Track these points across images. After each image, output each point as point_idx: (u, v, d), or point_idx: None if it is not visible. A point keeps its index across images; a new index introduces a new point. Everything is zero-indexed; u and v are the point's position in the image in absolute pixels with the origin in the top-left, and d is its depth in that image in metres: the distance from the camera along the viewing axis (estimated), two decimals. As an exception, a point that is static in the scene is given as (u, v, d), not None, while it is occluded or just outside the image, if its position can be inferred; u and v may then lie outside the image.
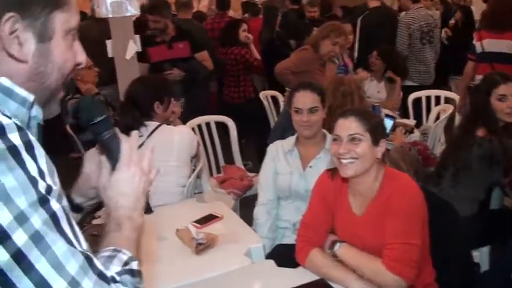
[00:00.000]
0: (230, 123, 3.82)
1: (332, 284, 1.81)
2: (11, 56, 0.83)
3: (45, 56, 0.87)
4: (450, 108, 3.83)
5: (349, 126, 1.84)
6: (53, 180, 0.82)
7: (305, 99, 2.50)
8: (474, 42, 3.87)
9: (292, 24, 6.17)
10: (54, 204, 0.80)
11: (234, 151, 3.86)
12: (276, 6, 6.09)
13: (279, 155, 2.60)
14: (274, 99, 4.66)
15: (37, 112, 0.89)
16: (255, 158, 4.46)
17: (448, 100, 4.30)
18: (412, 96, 4.38)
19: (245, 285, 1.87)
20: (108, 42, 3.23)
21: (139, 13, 3.25)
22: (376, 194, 1.88)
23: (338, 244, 1.88)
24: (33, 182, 0.77)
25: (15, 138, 0.77)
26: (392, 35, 4.90)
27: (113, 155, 1.05)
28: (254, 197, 2.71)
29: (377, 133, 1.86)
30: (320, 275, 1.87)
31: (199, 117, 3.77)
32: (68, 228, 0.81)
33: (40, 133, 0.90)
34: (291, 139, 2.63)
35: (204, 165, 3.31)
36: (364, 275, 1.79)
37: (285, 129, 3.24)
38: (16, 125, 0.79)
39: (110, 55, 3.23)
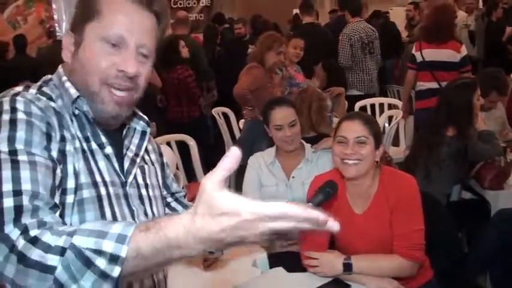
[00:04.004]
0: (191, 142, 3.84)
1: (348, 282, 1.92)
2: (63, 59, 1.13)
3: (75, 57, 1.10)
4: (398, 113, 4.11)
5: (355, 129, 1.96)
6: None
7: (283, 114, 2.57)
8: (413, 52, 4.19)
9: (228, 42, 6.31)
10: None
11: (197, 169, 3.89)
12: (216, 25, 6.18)
13: (262, 167, 2.67)
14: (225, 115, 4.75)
15: (86, 108, 1.10)
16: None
17: (390, 106, 4.61)
18: (358, 104, 4.64)
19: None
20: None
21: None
22: (376, 192, 2.02)
23: (351, 263, 1.93)
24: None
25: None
26: (323, 49, 5.13)
27: None
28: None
29: (379, 138, 2.01)
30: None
31: (160, 137, 3.76)
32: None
33: (91, 124, 1.12)
34: (271, 151, 2.70)
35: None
36: (382, 274, 1.92)
37: (253, 143, 3.33)
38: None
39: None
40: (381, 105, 4.67)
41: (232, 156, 0.75)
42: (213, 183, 0.73)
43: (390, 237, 1.96)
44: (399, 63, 5.83)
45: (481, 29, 6.87)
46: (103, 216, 1.08)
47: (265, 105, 2.69)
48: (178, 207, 1.46)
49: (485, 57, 6.70)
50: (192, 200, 3.02)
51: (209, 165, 4.60)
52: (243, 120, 4.36)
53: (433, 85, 4.05)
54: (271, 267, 2.20)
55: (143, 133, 1.26)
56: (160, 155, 1.37)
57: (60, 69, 1.15)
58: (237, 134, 4.67)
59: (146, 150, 1.28)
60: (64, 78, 1.12)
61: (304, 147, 2.69)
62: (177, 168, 3.66)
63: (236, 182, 4.52)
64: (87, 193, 1.06)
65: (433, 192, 2.69)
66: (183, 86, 4.52)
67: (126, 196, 1.16)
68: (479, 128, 2.95)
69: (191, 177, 3.92)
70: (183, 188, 3.51)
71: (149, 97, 4.32)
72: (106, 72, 1.07)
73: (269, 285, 2.00)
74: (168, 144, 3.80)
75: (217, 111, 4.75)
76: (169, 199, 1.42)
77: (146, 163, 1.27)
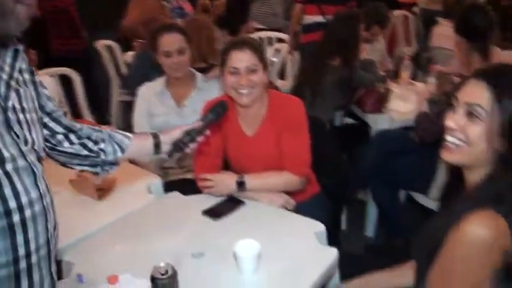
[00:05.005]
0: (74, 75, 3.64)
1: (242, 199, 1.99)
2: None
3: None
4: (285, 47, 4.19)
5: (245, 58, 1.97)
6: None
7: (171, 40, 2.53)
8: (302, -16, 4.23)
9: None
10: None
11: (82, 105, 3.71)
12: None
13: (151, 96, 2.62)
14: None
15: None
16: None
17: (279, 40, 4.67)
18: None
19: (162, 217, 1.92)
20: None
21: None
22: (265, 114, 2.09)
23: (244, 181, 1.99)
24: None
25: None
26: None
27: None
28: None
29: (265, 60, 2.05)
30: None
31: (41, 71, 3.49)
32: None
33: None
34: (160, 80, 2.66)
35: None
36: (274, 189, 2.02)
37: (144, 76, 3.23)
38: None
39: None
40: (269, 39, 4.72)
41: None
42: None
43: (280, 156, 2.05)
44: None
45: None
46: None
47: (154, 31, 2.60)
48: (58, 128, 1.40)
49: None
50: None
51: (94, 100, 4.43)
52: (130, 53, 4.20)
53: (319, 19, 4.14)
54: (165, 193, 2.21)
55: (16, 51, 1.16)
56: (32, 73, 1.27)
57: None
58: (123, 69, 4.50)
59: (20, 71, 1.19)
60: None
61: (195, 76, 2.67)
62: (61, 103, 3.46)
63: (123, 117, 4.41)
64: None
65: (318, 118, 2.84)
66: (63, 15, 4.20)
67: (7, 123, 1.10)
68: (362, 57, 3.12)
69: (76, 113, 3.73)
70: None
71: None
72: None
73: (166, 207, 2.01)
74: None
75: (101, 44, 4.49)
76: (46, 119, 1.35)
77: (20, 85, 1.19)
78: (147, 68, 3.14)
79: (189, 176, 2.53)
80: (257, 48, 2.01)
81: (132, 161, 2.39)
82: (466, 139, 1.19)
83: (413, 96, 3.10)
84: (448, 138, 1.24)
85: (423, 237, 1.34)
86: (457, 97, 1.23)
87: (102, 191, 2.06)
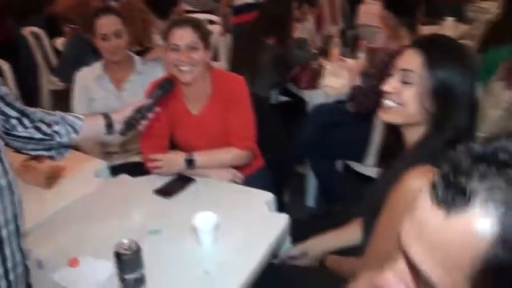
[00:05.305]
0: (5, 66, 3.51)
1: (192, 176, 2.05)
2: None
3: None
4: (216, 29, 4.25)
5: (186, 35, 2.01)
6: None
7: (108, 23, 2.52)
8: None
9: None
10: None
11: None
12: None
13: (89, 81, 2.60)
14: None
15: None
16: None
17: (210, 22, 4.69)
18: (179, 20, 4.61)
19: (114, 199, 1.95)
20: None
21: None
22: (210, 93, 2.15)
23: (192, 158, 2.05)
24: None
25: None
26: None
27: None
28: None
29: (207, 39, 2.10)
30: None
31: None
32: None
33: None
34: (97, 65, 2.64)
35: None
36: (222, 165, 2.09)
37: (79, 61, 3.18)
38: None
39: None
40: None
41: None
42: None
43: (225, 134, 2.12)
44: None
45: None
46: None
47: (93, 14, 2.59)
48: (11, 112, 1.38)
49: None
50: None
51: (23, 90, 4.27)
52: (60, 40, 4.09)
53: (250, 0, 4.22)
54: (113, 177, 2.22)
55: None
56: None
57: None
58: (52, 56, 4.37)
59: None
60: None
61: (133, 59, 2.68)
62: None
63: (55, 107, 4.28)
64: None
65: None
66: None
67: None
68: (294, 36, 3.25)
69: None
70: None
71: None
72: None
73: (117, 190, 2.03)
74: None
75: (28, 31, 4.31)
76: None
77: None
78: (84, 53, 3.09)
79: (134, 159, 2.55)
80: (199, 27, 2.05)
81: (75, 148, 2.38)
82: (401, 101, 1.33)
83: (344, 72, 3.26)
84: (385, 101, 1.37)
85: (368, 198, 1.47)
86: (394, 65, 1.36)
87: (51, 179, 2.05)
